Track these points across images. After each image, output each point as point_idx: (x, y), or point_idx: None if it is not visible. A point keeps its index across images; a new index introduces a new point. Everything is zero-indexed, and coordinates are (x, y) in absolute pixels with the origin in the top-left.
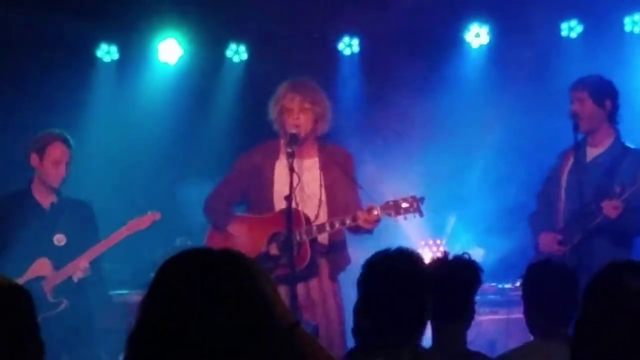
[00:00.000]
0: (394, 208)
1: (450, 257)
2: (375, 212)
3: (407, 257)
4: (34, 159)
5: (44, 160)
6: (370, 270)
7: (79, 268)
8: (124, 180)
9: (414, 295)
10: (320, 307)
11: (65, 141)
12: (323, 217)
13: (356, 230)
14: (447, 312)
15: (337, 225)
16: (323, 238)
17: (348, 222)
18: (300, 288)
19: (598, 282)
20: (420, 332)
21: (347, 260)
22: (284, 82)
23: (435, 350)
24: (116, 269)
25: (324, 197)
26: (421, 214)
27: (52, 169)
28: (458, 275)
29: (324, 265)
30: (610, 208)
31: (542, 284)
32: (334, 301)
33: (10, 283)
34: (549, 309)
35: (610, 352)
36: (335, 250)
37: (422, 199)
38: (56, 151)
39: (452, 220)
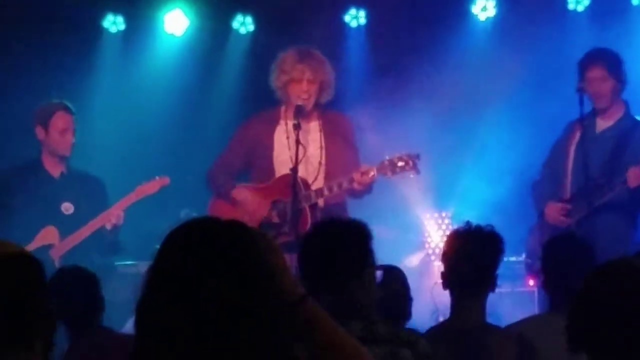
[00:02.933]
0: (390, 167)
1: (473, 227)
2: (372, 173)
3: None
4: (39, 131)
5: (49, 131)
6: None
7: (113, 215)
8: (130, 151)
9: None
10: None
11: (66, 109)
12: (321, 180)
13: (354, 193)
14: (468, 283)
15: (335, 188)
16: (321, 203)
17: (345, 184)
18: None
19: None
20: (371, 303)
21: None
22: (290, 49)
23: (452, 321)
24: (121, 239)
25: (323, 160)
26: (417, 172)
27: (59, 138)
28: (480, 247)
29: None
30: (634, 177)
31: (561, 258)
32: None
33: (20, 251)
34: (566, 281)
35: (608, 327)
36: (333, 212)
37: (417, 156)
38: (60, 121)
39: (457, 192)
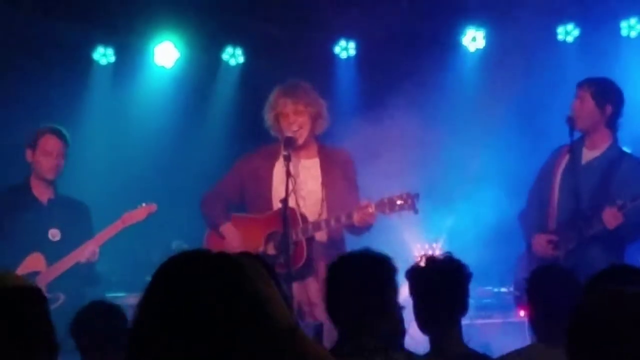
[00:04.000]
0: (389, 205)
1: (429, 258)
2: (370, 210)
3: (369, 257)
4: (28, 154)
5: (36, 153)
6: (332, 271)
7: (88, 251)
8: (120, 183)
9: (377, 293)
10: (319, 306)
11: (55, 133)
12: (324, 216)
13: (353, 229)
14: (436, 315)
15: (332, 222)
16: (321, 236)
17: (343, 219)
18: (299, 288)
19: (595, 287)
20: (395, 336)
21: None
22: (275, 88)
23: (433, 353)
24: (112, 271)
25: (324, 196)
26: (415, 211)
27: (43, 160)
28: (438, 276)
29: (322, 264)
30: (611, 218)
31: (547, 289)
32: None
33: (25, 283)
34: (552, 313)
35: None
36: (334, 249)
37: (416, 196)
38: (47, 143)
39: (448, 224)
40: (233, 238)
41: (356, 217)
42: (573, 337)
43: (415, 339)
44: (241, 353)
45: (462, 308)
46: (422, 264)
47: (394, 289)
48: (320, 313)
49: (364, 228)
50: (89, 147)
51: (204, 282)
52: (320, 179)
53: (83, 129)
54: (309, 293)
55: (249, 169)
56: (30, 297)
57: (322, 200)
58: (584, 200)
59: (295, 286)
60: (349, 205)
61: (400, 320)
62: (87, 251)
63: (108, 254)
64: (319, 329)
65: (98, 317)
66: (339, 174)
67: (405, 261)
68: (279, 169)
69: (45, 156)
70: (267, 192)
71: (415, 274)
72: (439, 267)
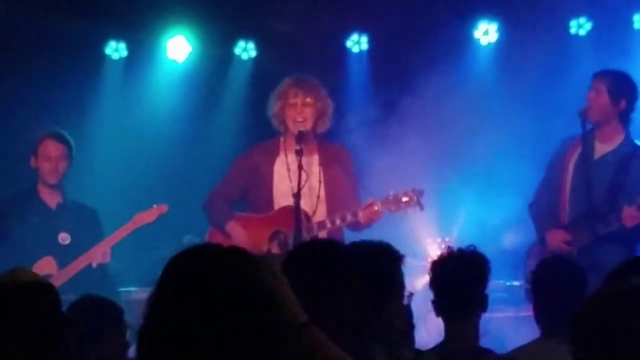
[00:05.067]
0: (394, 202)
1: (455, 251)
2: (376, 208)
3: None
4: (32, 160)
5: (38, 159)
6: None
7: (99, 253)
8: (131, 178)
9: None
10: None
11: (55, 137)
12: (322, 214)
13: (355, 226)
14: (456, 307)
15: (337, 221)
16: (322, 235)
17: (349, 218)
18: None
19: (615, 279)
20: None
21: None
22: (286, 79)
23: (444, 345)
24: (124, 267)
25: (323, 194)
26: (421, 208)
27: (44, 165)
28: (463, 269)
29: None
30: (629, 216)
31: (551, 282)
32: None
33: (37, 278)
34: (557, 307)
35: (614, 353)
36: None
37: (422, 192)
38: (47, 148)
39: (460, 217)
40: (239, 237)
41: (362, 216)
42: (579, 331)
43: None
44: (249, 345)
45: (483, 302)
46: (445, 255)
47: (396, 283)
48: None
49: (365, 226)
50: (100, 142)
51: (214, 275)
52: (319, 176)
53: (94, 123)
54: None
55: (249, 167)
56: (43, 292)
57: (319, 198)
58: (598, 195)
59: None
60: (349, 203)
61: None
62: (98, 253)
63: (120, 251)
64: None
65: (88, 312)
66: (338, 170)
67: (416, 256)
68: (279, 165)
69: (45, 161)
70: (268, 190)
71: (438, 265)
72: (464, 260)
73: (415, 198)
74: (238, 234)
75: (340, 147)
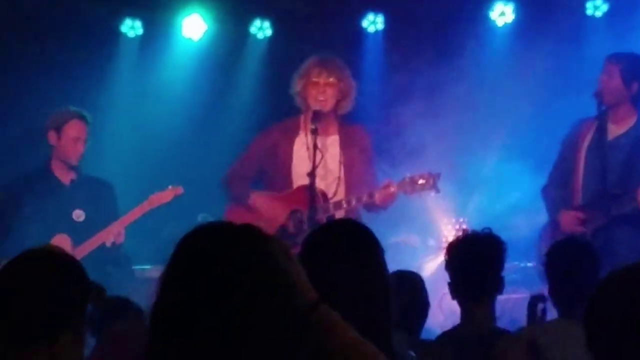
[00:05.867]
0: (410, 185)
1: (471, 233)
2: (392, 189)
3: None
4: (51, 136)
5: (62, 137)
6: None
7: (113, 233)
8: (146, 156)
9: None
10: None
11: (83, 118)
12: (341, 195)
13: (371, 207)
14: (472, 289)
15: (353, 202)
16: (340, 215)
17: (365, 199)
18: None
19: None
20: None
21: None
22: (312, 56)
23: (461, 327)
24: (139, 245)
25: (342, 175)
26: (437, 191)
27: (70, 146)
28: (479, 251)
29: None
30: None
31: (566, 263)
32: None
33: (60, 251)
34: (572, 288)
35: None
36: None
37: (438, 175)
38: (74, 128)
39: (474, 199)
40: (262, 210)
41: (378, 197)
42: (592, 313)
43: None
44: (259, 325)
45: (499, 284)
46: (461, 238)
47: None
48: None
49: (381, 207)
50: (115, 120)
51: (225, 254)
52: (339, 158)
53: (110, 101)
54: None
55: (268, 146)
56: (62, 261)
57: (340, 179)
58: (611, 177)
59: None
60: (367, 184)
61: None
62: (112, 233)
63: (134, 229)
64: None
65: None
66: (357, 152)
67: (431, 237)
68: (299, 145)
69: (71, 142)
70: (287, 169)
71: (454, 248)
72: (480, 242)
73: (431, 181)
74: (261, 208)
75: (360, 128)
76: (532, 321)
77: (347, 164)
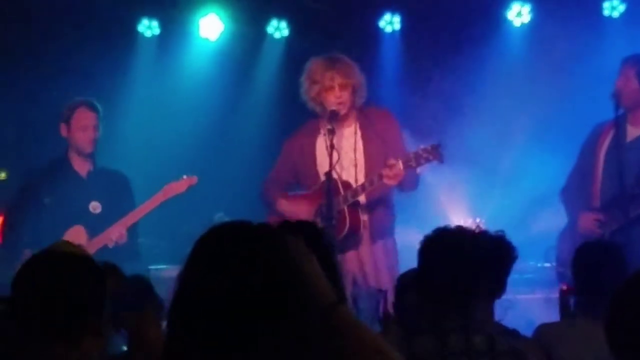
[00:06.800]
0: (415, 158)
1: (483, 232)
2: (398, 166)
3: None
4: (63, 129)
5: (71, 128)
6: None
7: (115, 234)
8: (163, 155)
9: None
10: (372, 274)
11: (88, 105)
12: (361, 181)
13: (399, 187)
14: (472, 292)
15: (367, 185)
16: (362, 200)
17: (375, 180)
18: (348, 257)
19: None
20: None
21: (391, 217)
22: (315, 58)
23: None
24: (154, 244)
25: (362, 163)
26: (441, 160)
27: (80, 134)
28: (486, 252)
29: (364, 228)
30: None
31: (593, 264)
32: (384, 260)
33: (81, 251)
34: (598, 288)
35: None
36: (375, 209)
37: (439, 146)
38: (81, 117)
39: (492, 197)
40: (290, 213)
41: (386, 176)
42: (614, 312)
43: None
44: (278, 324)
45: (501, 289)
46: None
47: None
48: (375, 281)
49: (405, 185)
50: (133, 120)
51: (243, 251)
52: (358, 146)
53: (127, 101)
54: (360, 261)
55: (296, 148)
56: (83, 263)
57: (361, 167)
58: (629, 179)
59: (343, 256)
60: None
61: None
62: (112, 234)
63: (150, 226)
64: (383, 296)
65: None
66: (378, 138)
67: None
68: (320, 144)
69: (81, 130)
70: (313, 167)
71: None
72: (490, 245)
73: (434, 152)
74: (288, 211)
75: (378, 109)
76: (564, 315)
77: (367, 151)
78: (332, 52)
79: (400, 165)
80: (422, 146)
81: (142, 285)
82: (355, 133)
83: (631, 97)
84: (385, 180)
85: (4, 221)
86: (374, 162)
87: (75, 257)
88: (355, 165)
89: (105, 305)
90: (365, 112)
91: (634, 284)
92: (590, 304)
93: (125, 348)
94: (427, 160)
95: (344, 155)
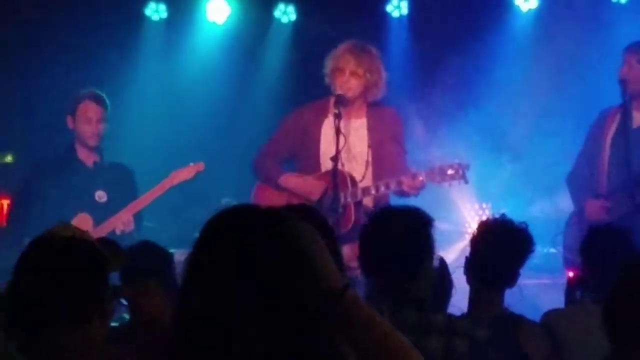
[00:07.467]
0: (439, 174)
1: (508, 221)
2: (420, 178)
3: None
4: (69, 121)
5: (76, 120)
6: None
7: (121, 221)
8: (170, 139)
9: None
10: None
11: (94, 98)
12: (369, 179)
13: (401, 193)
14: (490, 272)
15: (382, 188)
16: (368, 201)
17: (393, 186)
18: (348, 250)
19: None
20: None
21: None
22: (349, 41)
23: (470, 313)
24: (161, 228)
25: (370, 159)
26: (466, 181)
27: (85, 127)
28: (510, 239)
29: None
30: None
31: (603, 248)
32: None
33: (82, 235)
34: (607, 273)
35: None
36: (378, 201)
37: (467, 166)
38: (86, 109)
39: (500, 183)
40: (296, 186)
41: (406, 185)
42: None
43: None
44: (285, 307)
45: (514, 278)
46: (498, 221)
47: (428, 251)
48: None
49: (411, 194)
50: (140, 103)
51: (252, 237)
52: (367, 141)
53: (134, 84)
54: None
55: (299, 125)
56: (87, 246)
57: (369, 163)
58: (636, 164)
59: (344, 248)
60: (396, 169)
61: (430, 283)
62: (119, 221)
63: (157, 211)
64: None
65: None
66: (387, 135)
67: (455, 222)
68: (327, 126)
69: (86, 123)
70: (316, 150)
71: (487, 228)
72: (513, 234)
73: (460, 172)
74: (294, 185)
75: (390, 110)
76: (570, 302)
77: (375, 147)
78: (368, 44)
79: (424, 178)
80: (448, 162)
81: (146, 256)
82: (368, 129)
83: (634, 82)
84: (404, 188)
85: (10, 205)
86: (383, 162)
87: (75, 240)
88: (366, 162)
89: (107, 289)
90: (375, 109)
91: (631, 273)
92: (601, 289)
93: (127, 316)
94: (452, 179)
95: (352, 147)
